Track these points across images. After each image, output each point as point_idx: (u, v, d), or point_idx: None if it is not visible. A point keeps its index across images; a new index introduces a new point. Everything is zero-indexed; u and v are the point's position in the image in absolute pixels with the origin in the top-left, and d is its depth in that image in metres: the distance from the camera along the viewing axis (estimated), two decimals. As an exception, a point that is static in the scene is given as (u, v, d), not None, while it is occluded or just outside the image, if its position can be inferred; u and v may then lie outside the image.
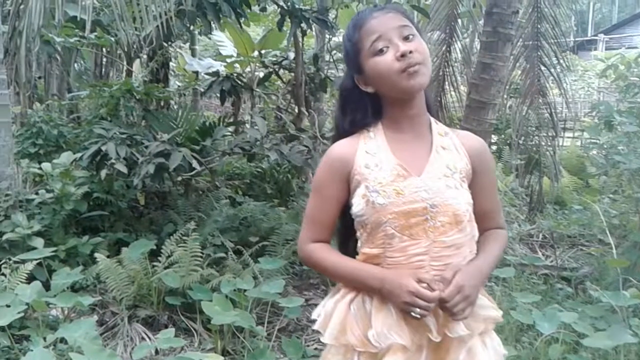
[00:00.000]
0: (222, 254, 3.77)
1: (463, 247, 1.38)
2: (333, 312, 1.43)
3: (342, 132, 1.48)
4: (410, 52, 1.31)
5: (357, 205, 1.39)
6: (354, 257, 1.44)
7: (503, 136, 7.01)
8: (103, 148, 3.81)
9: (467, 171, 1.42)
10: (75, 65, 7.62)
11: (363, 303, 1.40)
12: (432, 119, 1.46)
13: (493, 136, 6.53)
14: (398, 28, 1.34)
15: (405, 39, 1.33)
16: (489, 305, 1.42)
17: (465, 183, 1.40)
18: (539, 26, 5.98)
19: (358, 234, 1.43)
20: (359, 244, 1.44)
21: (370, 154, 1.40)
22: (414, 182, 1.36)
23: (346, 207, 1.44)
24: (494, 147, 8.12)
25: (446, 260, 1.35)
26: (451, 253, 1.36)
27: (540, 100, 6.17)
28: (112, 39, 5.40)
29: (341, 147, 1.45)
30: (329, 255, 1.46)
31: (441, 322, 1.33)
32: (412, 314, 1.29)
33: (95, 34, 5.21)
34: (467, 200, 1.38)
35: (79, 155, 4.04)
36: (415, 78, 1.32)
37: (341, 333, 1.39)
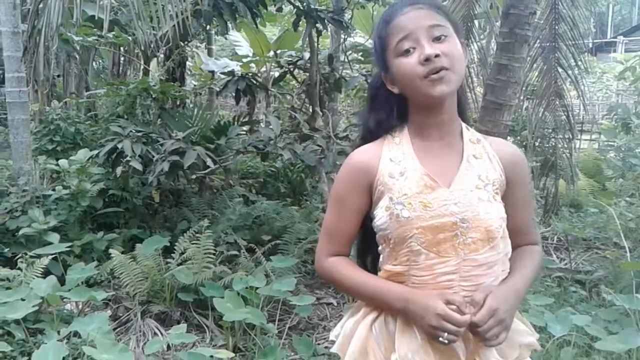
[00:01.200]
0: (235, 252, 3.80)
1: (495, 265, 1.24)
2: (353, 334, 1.31)
3: (366, 132, 1.37)
4: (437, 55, 1.18)
5: (380, 218, 1.27)
6: (373, 273, 1.34)
7: (519, 138, 6.95)
8: (119, 145, 3.86)
9: (501, 182, 1.29)
10: (94, 64, 7.72)
11: (386, 324, 1.28)
12: (464, 125, 1.33)
13: (509, 138, 6.48)
14: (428, 27, 1.21)
15: (437, 39, 1.21)
16: (524, 330, 1.28)
17: (499, 195, 1.28)
18: (556, 27, 5.93)
19: (380, 248, 1.32)
20: (380, 259, 1.33)
21: (394, 162, 1.28)
22: (443, 194, 1.23)
23: (367, 217, 1.34)
24: (510, 149, 8.04)
25: (477, 280, 1.22)
26: (482, 272, 1.23)
27: (557, 102, 6.11)
28: (130, 38, 5.46)
29: (363, 154, 1.33)
30: (349, 272, 1.33)
31: (471, 348, 1.22)
32: (440, 339, 1.17)
33: (113, 33, 5.27)
34: (501, 214, 1.25)
35: (95, 152, 4.10)
36: (439, 85, 1.20)
37: (362, 356, 1.29)
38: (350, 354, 1.30)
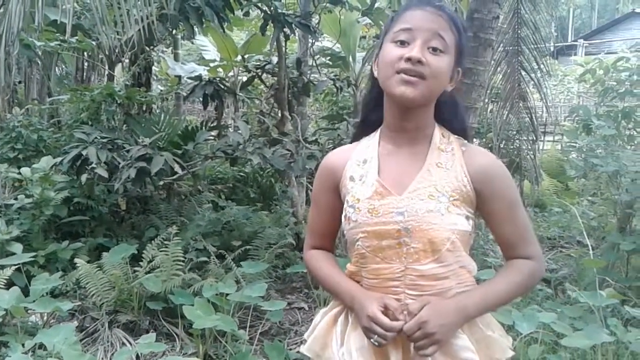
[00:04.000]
0: (205, 258, 3.77)
1: (445, 279, 1.24)
2: (317, 325, 1.39)
3: (355, 133, 1.44)
4: (419, 61, 1.18)
5: (342, 219, 1.34)
6: None
7: (484, 140, 7.09)
8: (84, 152, 3.78)
9: (465, 194, 1.25)
10: (56, 69, 7.54)
11: (346, 319, 1.34)
12: (439, 132, 1.32)
13: (475, 140, 6.60)
14: (431, 34, 1.21)
15: (432, 49, 1.21)
16: (468, 346, 1.23)
17: (461, 208, 1.24)
18: (519, 31, 6.06)
19: None
20: None
21: (359, 166, 1.33)
22: (392, 201, 1.24)
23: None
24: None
25: (425, 290, 1.23)
26: (428, 283, 1.23)
27: (521, 105, 6.25)
28: (94, 43, 5.36)
29: (333, 156, 1.40)
30: (320, 265, 1.42)
31: (412, 355, 1.23)
32: (371, 340, 1.21)
33: (77, 38, 5.17)
34: (454, 227, 1.22)
35: (59, 159, 4.00)
36: (404, 87, 1.19)
37: (320, 347, 1.35)
38: (310, 342, 1.36)
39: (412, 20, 1.23)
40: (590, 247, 3.27)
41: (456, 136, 1.33)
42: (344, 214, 1.32)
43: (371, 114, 1.38)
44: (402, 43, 1.22)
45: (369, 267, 1.28)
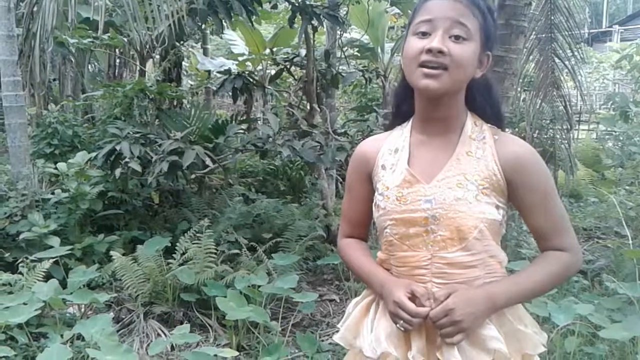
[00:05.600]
0: (236, 251, 3.80)
1: (473, 267, 1.23)
2: (350, 314, 1.40)
3: (389, 122, 1.44)
4: (441, 51, 1.17)
5: (372, 207, 1.35)
6: None
7: (517, 129, 6.96)
8: (117, 147, 3.85)
9: (495, 183, 1.23)
10: (89, 66, 7.69)
11: (378, 307, 1.34)
12: (471, 121, 1.29)
13: (507, 129, 6.48)
14: (452, 22, 1.19)
15: (454, 37, 1.18)
16: (496, 337, 1.21)
17: (491, 197, 1.23)
18: (552, 18, 5.92)
19: None
20: None
21: (391, 154, 1.33)
22: (420, 189, 1.25)
23: None
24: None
25: (452, 278, 1.23)
26: (456, 271, 1.23)
27: (555, 93, 6.11)
28: (125, 39, 5.44)
29: (366, 145, 1.41)
30: (353, 254, 1.43)
31: (438, 343, 1.21)
32: (396, 325, 1.22)
33: (108, 34, 5.25)
34: (482, 216, 1.21)
35: (93, 154, 4.09)
36: (428, 80, 1.18)
37: (353, 336, 1.35)
38: (343, 331, 1.37)
39: (432, 10, 1.21)
40: (629, 237, 3.18)
41: (489, 125, 1.31)
42: (374, 201, 1.33)
43: (402, 104, 1.38)
44: (424, 34, 1.20)
45: (397, 255, 1.29)
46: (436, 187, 1.24)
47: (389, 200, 1.28)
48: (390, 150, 1.34)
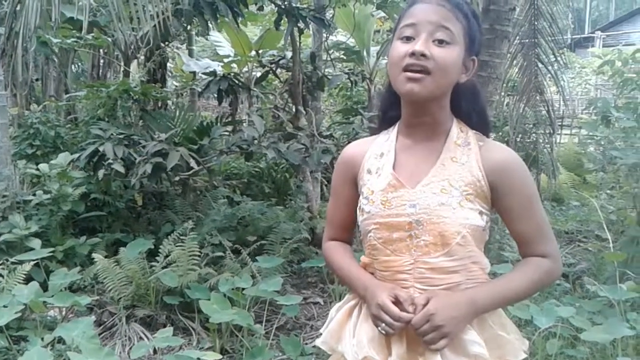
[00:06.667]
0: (220, 253, 3.78)
1: (455, 273, 1.23)
2: (333, 318, 1.40)
3: (376, 125, 1.44)
4: (424, 55, 1.17)
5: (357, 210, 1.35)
6: None
7: (500, 133, 7.04)
8: (100, 148, 3.81)
9: (479, 189, 1.24)
10: (73, 66, 7.61)
11: (360, 311, 1.33)
12: (457, 127, 1.30)
13: (491, 134, 6.55)
14: (436, 26, 1.19)
15: (438, 41, 1.19)
16: (477, 341, 1.21)
17: (474, 202, 1.23)
18: (536, 23, 5.99)
19: None
20: None
21: (376, 159, 1.33)
22: (405, 194, 1.25)
23: None
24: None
25: (434, 284, 1.23)
26: (437, 276, 1.23)
27: (538, 98, 6.18)
28: (109, 39, 5.40)
29: (352, 149, 1.41)
30: (337, 256, 1.43)
31: (421, 349, 1.21)
32: (378, 328, 1.22)
33: (92, 34, 5.21)
34: (465, 222, 1.21)
35: (76, 155, 4.04)
36: (411, 84, 1.19)
37: (335, 340, 1.35)
38: (325, 335, 1.37)
39: (416, 14, 1.22)
40: (610, 241, 3.22)
41: (475, 131, 1.31)
42: (358, 205, 1.33)
43: (389, 109, 1.38)
44: (408, 39, 1.21)
45: (380, 259, 1.29)
46: (421, 192, 1.24)
47: (374, 205, 1.28)
48: (375, 155, 1.34)
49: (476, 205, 1.23)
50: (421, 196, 1.23)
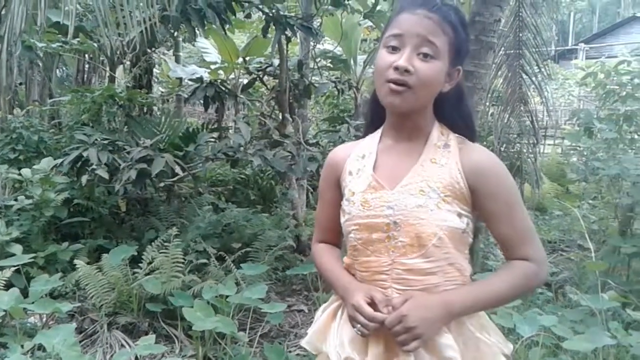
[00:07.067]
0: (204, 260, 3.76)
1: (432, 274, 1.23)
2: (318, 319, 1.41)
3: (364, 126, 1.47)
4: (407, 70, 1.19)
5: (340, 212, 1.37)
6: None
7: (485, 143, 7.11)
8: (84, 154, 3.78)
9: (458, 191, 1.24)
10: (57, 71, 7.55)
11: (343, 311, 1.34)
12: (438, 130, 1.31)
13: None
14: (422, 39, 1.20)
15: (423, 55, 1.20)
16: (451, 345, 1.20)
17: (452, 204, 1.23)
18: (520, 35, 6.06)
19: None
20: None
21: (358, 160, 1.35)
22: (384, 195, 1.26)
23: None
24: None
25: (412, 285, 1.23)
26: (415, 278, 1.23)
27: (522, 108, 6.24)
28: (95, 44, 5.37)
29: (336, 152, 1.43)
30: (322, 258, 1.45)
31: (397, 350, 1.21)
32: (354, 328, 1.24)
33: (78, 39, 5.17)
34: (442, 224, 1.22)
35: (59, 161, 4.00)
36: (393, 96, 1.21)
37: (320, 341, 1.36)
38: (310, 336, 1.38)
39: (402, 25, 1.23)
40: (592, 250, 3.26)
41: (457, 135, 1.32)
42: (341, 207, 1.35)
43: (375, 114, 1.40)
44: (394, 49, 1.22)
45: (360, 260, 1.30)
46: (399, 194, 1.25)
47: (354, 206, 1.29)
48: (358, 156, 1.36)
49: (454, 207, 1.24)
50: (399, 197, 1.25)
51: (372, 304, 1.22)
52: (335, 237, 1.47)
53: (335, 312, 1.37)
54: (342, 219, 1.34)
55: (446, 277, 1.25)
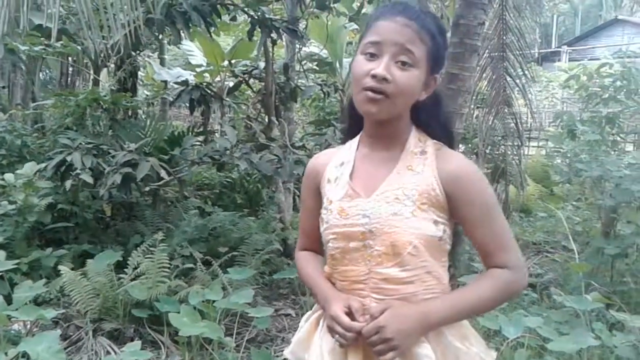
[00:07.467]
0: (191, 265, 3.74)
1: (409, 283, 1.22)
2: (302, 327, 1.40)
3: (344, 132, 1.46)
4: (385, 79, 1.18)
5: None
6: None
7: (470, 145, 7.15)
8: (68, 158, 3.74)
9: (434, 198, 1.23)
10: (41, 74, 7.48)
11: (325, 320, 1.32)
12: (416, 136, 1.30)
13: (460, 145, 6.66)
14: (400, 48, 1.19)
15: (401, 63, 1.19)
16: (429, 355, 1.19)
17: (428, 212, 1.22)
18: (504, 38, 6.11)
19: None
20: None
21: (337, 168, 1.34)
22: (360, 203, 1.25)
23: None
24: (462, 157, 8.29)
25: (389, 294, 1.22)
26: (392, 287, 1.22)
27: (506, 110, 6.30)
28: (79, 47, 5.32)
29: (316, 159, 1.43)
30: (305, 266, 1.44)
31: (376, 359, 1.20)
32: (334, 339, 1.23)
33: (61, 42, 5.12)
34: (417, 232, 1.20)
35: (43, 165, 3.96)
36: (370, 104, 1.20)
37: (304, 350, 1.35)
38: (293, 345, 1.37)
39: (381, 32, 1.21)
40: (575, 252, 3.29)
41: (434, 141, 1.31)
42: (320, 216, 1.34)
43: (353, 120, 1.39)
44: (372, 56, 1.21)
45: (339, 269, 1.29)
46: (375, 202, 1.24)
47: (332, 214, 1.28)
48: (336, 164, 1.36)
49: (430, 214, 1.23)
50: (374, 205, 1.24)
51: (350, 313, 1.21)
52: (318, 244, 1.44)
53: (318, 320, 1.36)
54: (321, 228, 1.33)
55: (424, 285, 1.24)
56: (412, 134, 1.31)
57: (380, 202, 1.24)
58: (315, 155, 1.46)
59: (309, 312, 1.43)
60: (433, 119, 1.34)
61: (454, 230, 1.31)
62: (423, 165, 1.26)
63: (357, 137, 1.38)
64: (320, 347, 1.29)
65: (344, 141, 1.44)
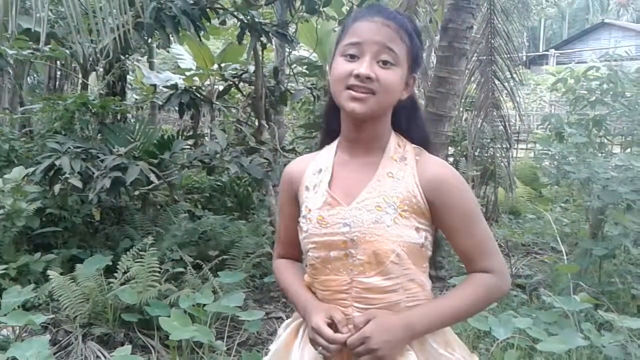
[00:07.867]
0: (181, 269, 3.72)
1: (392, 292, 1.21)
2: (280, 336, 1.38)
3: (321, 136, 1.43)
4: (369, 77, 1.17)
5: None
6: None
7: (459, 148, 7.19)
8: (57, 162, 3.72)
9: (415, 204, 1.21)
10: (28, 78, 7.42)
11: (305, 329, 1.30)
12: (395, 141, 1.29)
13: (450, 148, 6.70)
14: (381, 47, 1.19)
15: (382, 62, 1.19)
16: None
17: (410, 219, 1.21)
18: (492, 41, 6.17)
19: None
20: None
21: (315, 175, 1.31)
22: (340, 212, 1.23)
23: None
24: (451, 159, 8.33)
25: (372, 303, 1.21)
26: (375, 296, 1.21)
27: (495, 113, 6.36)
28: (67, 51, 5.29)
29: (293, 165, 1.39)
30: (283, 275, 1.41)
31: None
32: (317, 351, 1.21)
33: (50, 46, 5.10)
34: (399, 239, 1.19)
35: (31, 170, 3.93)
36: (355, 103, 1.18)
37: (281, 357, 1.33)
38: (271, 355, 1.35)
39: (360, 33, 1.21)
40: (564, 253, 3.32)
41: (414, 146, 1.30)
42: (299, 224, 1.31)
43: (332, 122, 1.36)
44: (352, 57, 1.20)
45: (320, 278, 1.27)
46: (355, 210, 1.22)
47: (311, 223, 1.26)
48: (314, 171, 1.32)
49: (412, 221, 1.21)
50: (356, 214, 1.22)
51: (332, 324, 1.20)
52: (297, 252, 1.41)
53: (298, 329, 1.34)
54: (300, 237, 1.30)
55: (407, 293, 1.23)
56: (391, 138, 1.30)
57: (361, 210, 1.22)
58: (291, 162, 1.42)
59: (288, 320, 1.41)
60: (412, 122, 1.34)
61: (434, 237, 1.30)
62: (403, 171, 1.25)
63: (335, 143, 1.35)
64: (302, 357, 1.27)
65: (320, 146, 1.41)
